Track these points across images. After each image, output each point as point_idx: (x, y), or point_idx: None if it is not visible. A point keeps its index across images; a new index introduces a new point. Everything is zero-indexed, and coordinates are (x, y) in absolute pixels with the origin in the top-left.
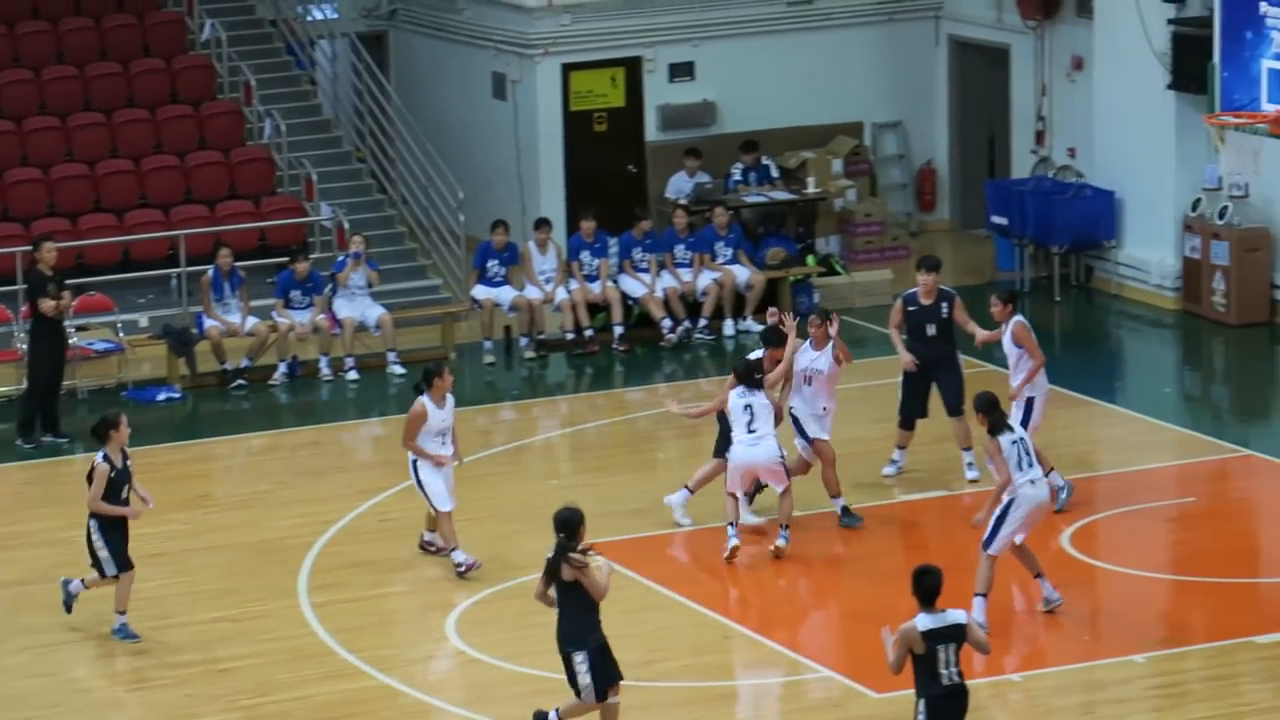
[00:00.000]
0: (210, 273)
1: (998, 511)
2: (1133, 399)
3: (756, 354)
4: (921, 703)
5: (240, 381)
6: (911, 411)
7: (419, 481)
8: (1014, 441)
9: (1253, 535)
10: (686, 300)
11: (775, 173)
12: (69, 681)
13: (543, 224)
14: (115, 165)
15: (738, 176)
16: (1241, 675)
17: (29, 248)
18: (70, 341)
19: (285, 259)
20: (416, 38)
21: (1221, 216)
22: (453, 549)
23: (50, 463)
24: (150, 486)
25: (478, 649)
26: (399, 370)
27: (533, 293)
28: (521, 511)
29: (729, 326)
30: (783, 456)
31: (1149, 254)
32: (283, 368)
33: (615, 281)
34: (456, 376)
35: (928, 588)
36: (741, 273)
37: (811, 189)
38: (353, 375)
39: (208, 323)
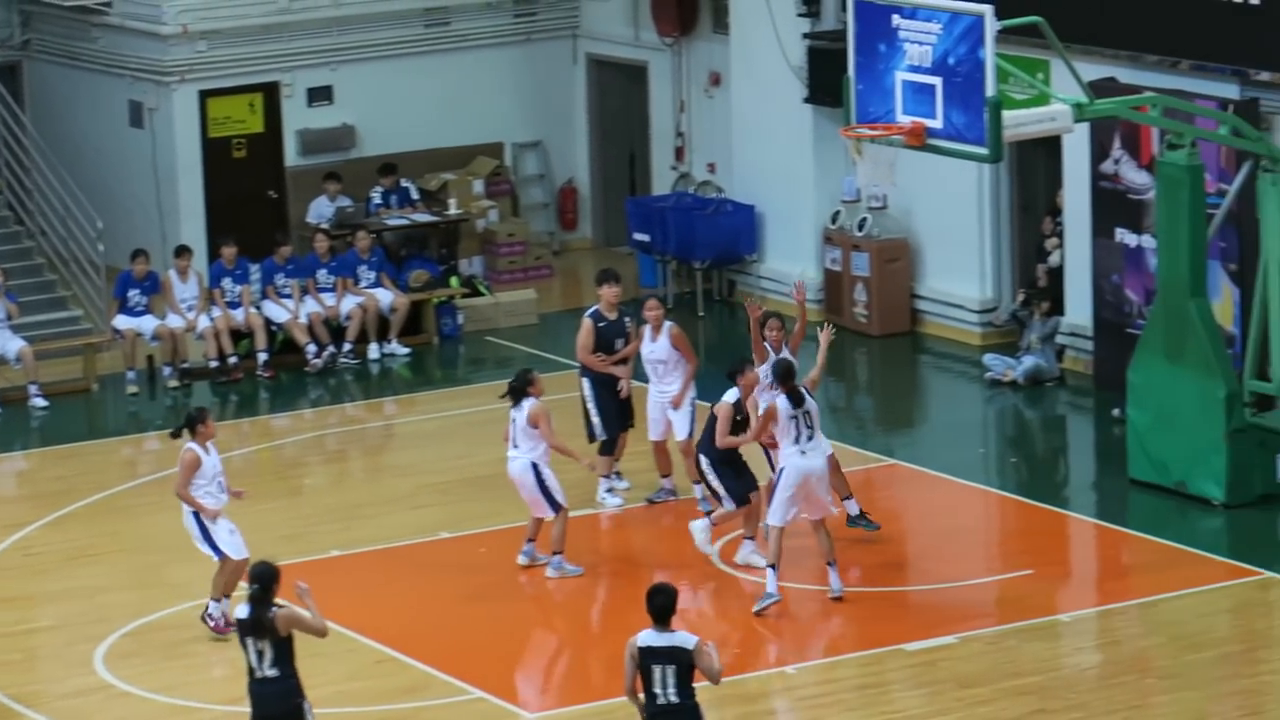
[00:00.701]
0: None
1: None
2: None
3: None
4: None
5: None
6: (619, 429)
7: (205, 536)
8: (791, 416)
9: (899, 544)
10: (330, 325)
11: (416, 195)
12: None
13: (183, 252)
14: None
15: (378, 200)
16: (892, 683)
17: None
18: None
19: None
20: (51, 67)
21: (861, 228)
22: (217, 599)
23: None
24: None
25: (127, 681)
26: (41, 403)
27: (175, 321)
28: (168, 542)
29: (374, 350)
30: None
31: (790, 267)
32: None
33: (258, 308)
34: (99, 408)
35: (658, 606)
36: (385, 296)
37: (453, 210)
38: None
39: None
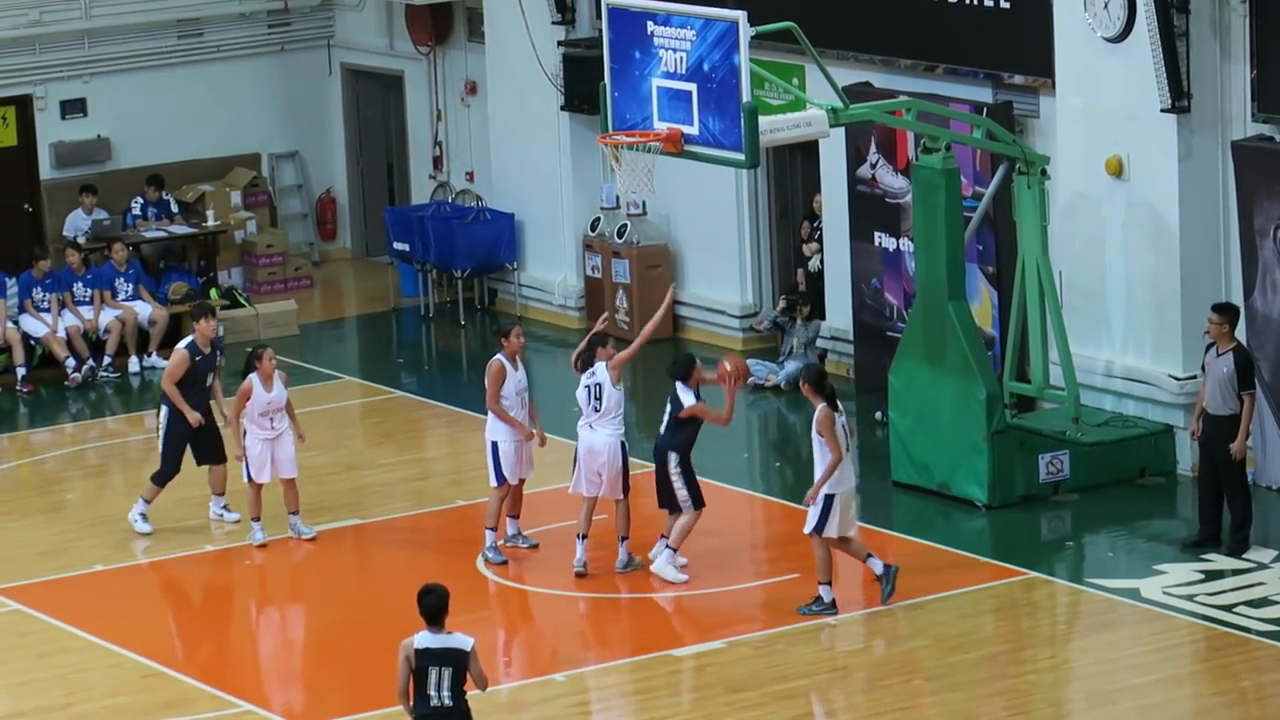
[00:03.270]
0: None
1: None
2: (546, 420)
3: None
4: None
5: None
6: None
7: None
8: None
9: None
10: (89, 338)
11: (175, 207)
12: None
13: None
14: None
15: (136, 211)
16: (660, 689)
17: None
18: None
19: None
20: None
21: (620, 235)
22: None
23: None
24: None
25: None
26: None
27: None
28: None
29: (134, 363)
30: None
31: (551, 274)
32: None
33: (15, 322)
34: None
35: (430, 606)
36: (144, 309)
37: (211, 222)
38: None
39: None
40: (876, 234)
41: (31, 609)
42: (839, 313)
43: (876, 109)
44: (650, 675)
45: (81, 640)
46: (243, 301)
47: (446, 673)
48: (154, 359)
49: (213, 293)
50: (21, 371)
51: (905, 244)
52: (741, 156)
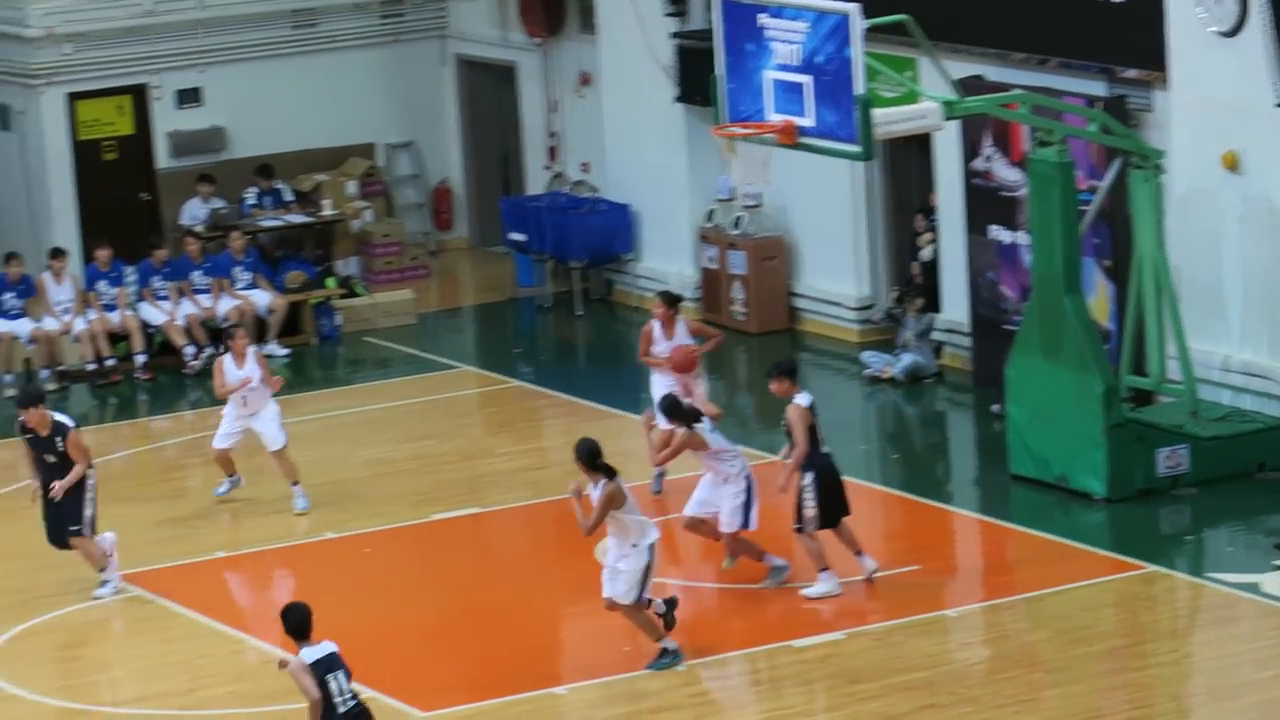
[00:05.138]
0: None
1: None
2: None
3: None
4: None
5: None
6: None
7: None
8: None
9: (786, 540)
10: (208, 326)
11: (290, 196)
12: None
13: (58, 254)
14: None
15: (252, 201)
16: (782, 679)
17: None
18: None
19: None
20: None
21: (736, 226)
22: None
23: None
24: None
25: (16, 685)
26: None
27: (50, 324)
28: (45, 546)
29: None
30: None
31: (667, 265)
32: None
33: (135, 310)
34: None
35: (296, 624)
36: (262, 297)
37: (327, 211)
38: None
39: None
40: (992, 227)
41: (155, 595)
42: (955, 306)
43: (991, 102)
44: (771, 666)
45: (204, 626)
46: (360, 291)
47: (341, 675)
48: (272, 347)
49: (330, 282)
50: (141, 359)
51: (1021, 237)
52: (856, 149)
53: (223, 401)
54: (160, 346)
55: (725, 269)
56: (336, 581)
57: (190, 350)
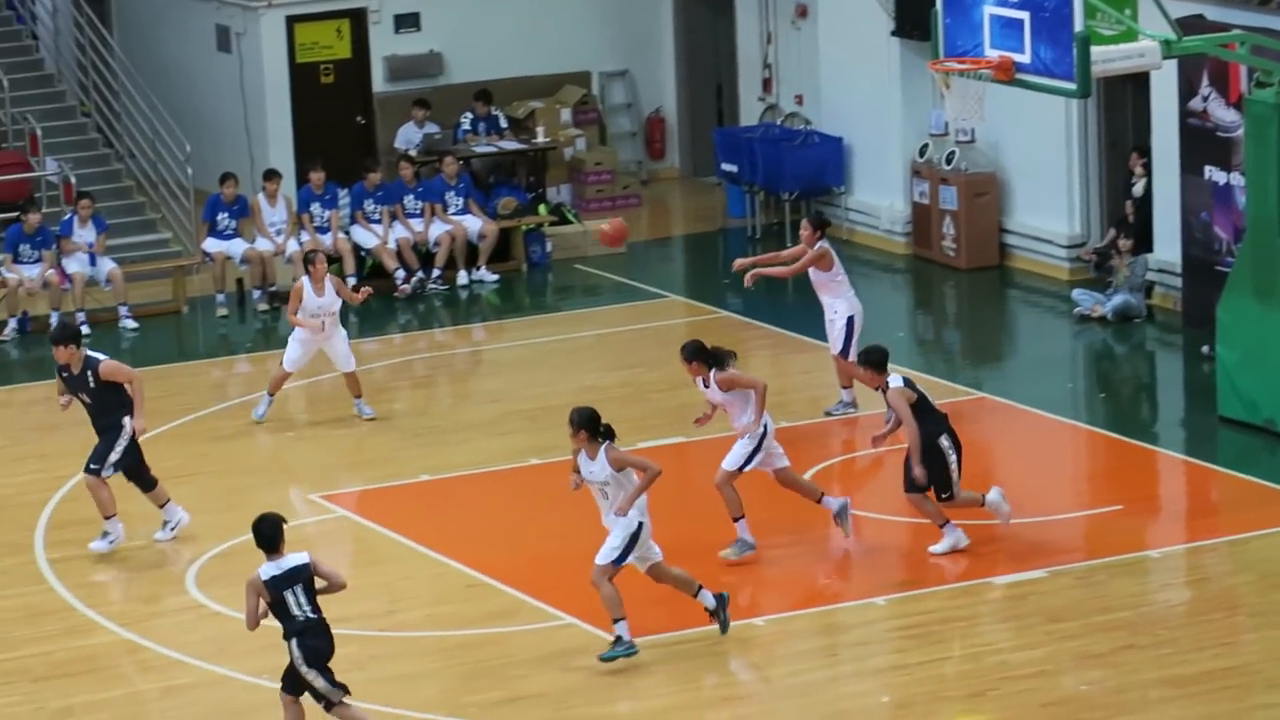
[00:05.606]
0: None
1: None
2: (866, 343)
3: None
4: (292, 642)
5: None
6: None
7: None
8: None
9: (988, 477)
10: (419, 250)
11: (504, 122)
12: None
13: (272, 176)
14: None
15: (466, 126)
16: (981, 616)
17: None
18: None
19: (12, 214)
20: None
21: (949, 162)
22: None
23: None
24: None
25: (218, 602)
26: (131, 325)
27: (264, 245)
28: (256, 465)
29: (463, 276)
30: None
31: (878, 200)
32: (13, 323)
33: (347, 233)
34: (189, 330)
35: (266, 537)
36: (473, 223)
37: (540, 138)
38: (84, 330)
39: None
40: (1207, 167)
41: (358, 516)
42: (1167, 246)
43: (1210, 42)
44: (970, 603)
45: (406, 549)
46: (571, 218)
47: (299, 589)
48: (482, 273)
49: (541, 208)
50: (352, 281)
51: (1236, 178)
52: (1073, 86)
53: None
54: (371, 269)
55: (936, 204)
56: (540, 507)
57: (401, 274)
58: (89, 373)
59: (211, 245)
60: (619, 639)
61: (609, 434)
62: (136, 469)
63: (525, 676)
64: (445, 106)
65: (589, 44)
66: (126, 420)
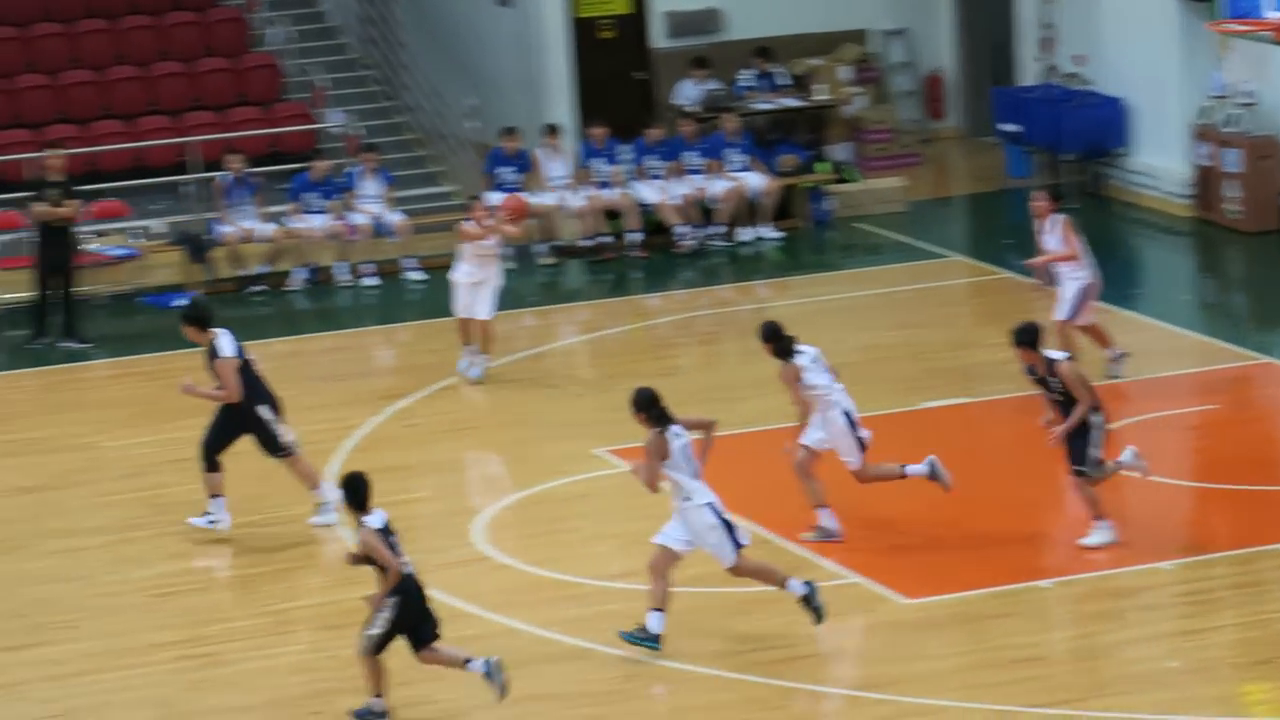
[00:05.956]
0: (224, 179)
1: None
2: (1151, 306)
3: None
4: (394, 598)
5: (258, 287)
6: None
7: None
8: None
9: (1276, 442)
10: (701, 207)
11: (784, 79)
12: (97, 586)
13: (553, 130)
14: (123, 71)
15: (747, 83)
16: (1268, 582)
17: (40, 154)
18: (86, 247)
19: (298, 166)
20: None
21: (1231, 124)
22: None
23: (69, 368)
24: (171, 392)
25: (505, 554)
26: (417, 276)
27: (546, 199)
28: (545, 418)
29: (745, 233)
30: None
31: (1160, 161)
32: (300, 273)
33: (629, 188)
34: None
35: (359, 494)
36: (754, 180)
37: (820, 96)
38: (371, 281)
39: (222, 228)
40: None
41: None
42: None
43: None
44: (1257, 569)
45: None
46: (852, 176)
47: (396, 540)
48: (764, 230)
49: (821, 166)
50: (635, 237)
51: None
52: None
53: None
54: (653, 225)
55: (1218, 167)
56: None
57: (683, 230)
58: (214, 361)
59: (493, 198)
60: (644, 629)
61: (664, 420)
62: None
63: (813, 635)
64: (724, 63)
65: (868, 2)
66: (261, 409)
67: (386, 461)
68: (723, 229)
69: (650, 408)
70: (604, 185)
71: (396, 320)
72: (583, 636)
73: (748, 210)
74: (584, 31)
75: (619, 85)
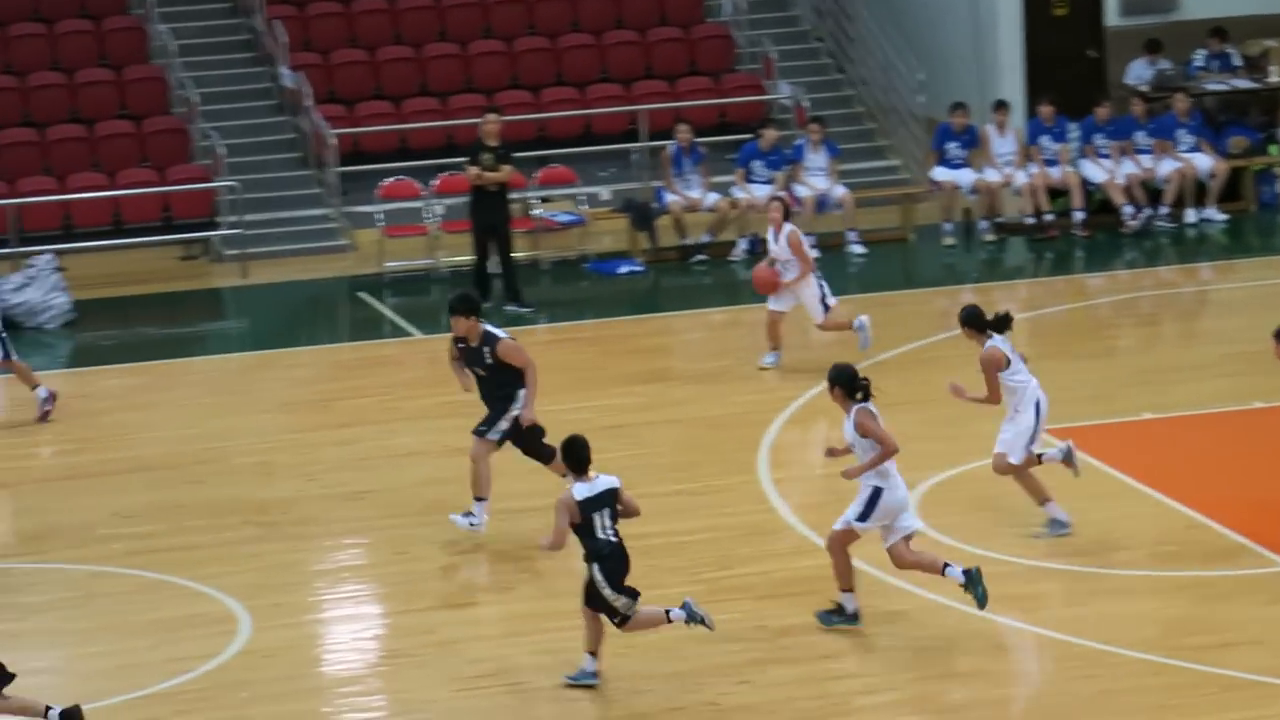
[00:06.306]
0: (671, 148)
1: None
2: None
3: None
4: (595, 566)
5: (701, 256)
6: None
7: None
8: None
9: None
10: (1147, 187)
11: (1238, 61)
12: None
13: (1001, 106)
14: (575, 39)
15: (1200, 63)
16: None
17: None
18: (533, 213)
19: (745, 137)
20: None
21: None
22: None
23: (511, 332)
24: (609, 359)
25: (937, 530)
26: (858, 249)
27: (992, 176)
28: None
29: (1190, 215)
30: None
31: None
32: (743, 243)
33: (1075, 166)
34: (914, 258)
35: (576, 458)
36: (1203, 161)
37: (1274, 78)
38: (814, 253)
39: (668, 197)
40: None
41: (1080, 452)
42: None
43: None
44: None
45: (1127, 486)
46: None
47: (606, 513)
48: (1211, 212)
49: (1273, 149)
50: (1079, 215)
51: None
52: None
53: None
54: (1098, 204)
55: None
56: (1264, 451)
57: (1129, 210)
58: (485, 349)
59: (940, 174)
60: (840, 608)
61: (864, 394)
62: (535, 446)
63: (1242, 623)
64: (1178, 42)
65: None
66: (520, 392)
67: (820, 435)
68: (1167, 210)
69: (849, 382)
70: (1050, 163)
71: (835, 293)
72: (1012, 616)
73: (1195, 191)
74: (1037, 8)
75: (1069, 63)
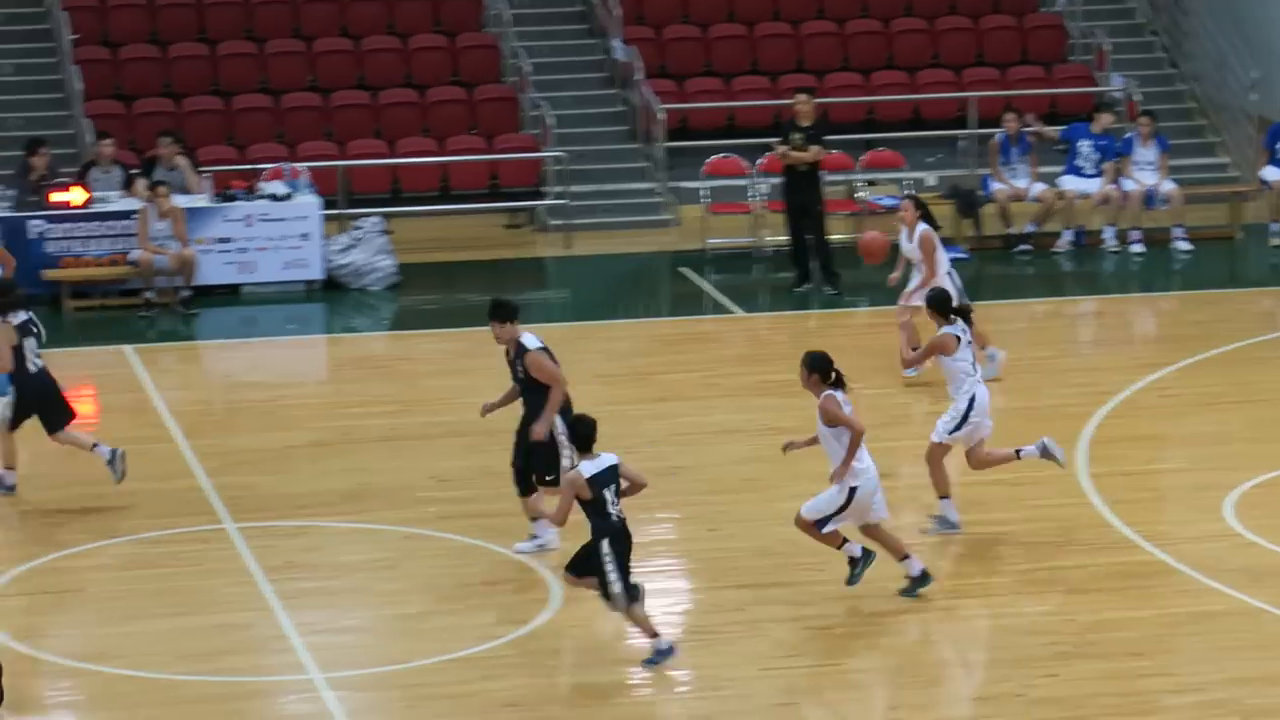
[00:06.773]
0: (999, 136)
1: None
2: None
3: None
4: (605, 542)
5: (1025, 246)
6: None
7: None
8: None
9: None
10: None
11: None
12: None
13: None
14: (907, 24)
15: None
16: None
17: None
18: (858, 196)
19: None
20: None
21: None
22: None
23: (831, 314)
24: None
25: (1255, 532)
26: (1184, 246)
27: None
28: None
29: None
30: None
31: None
32: (1068, 235)
33: None
34: (1241, 257)
35: (583, 435)
36: None
37: None
38: (1137, 248)
39: (994, 185)
40: None
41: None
42: None
43: None
44: None
45: None
46: None
47: (613, 488)
48: None
49: None
50: None
51: None
52: None
53: None
54: None
55: None
56: None
57: None
58: (519, 360)
59: (1270, 173)
60: (855, 557)
61: (837, 381)
62: (537, 465)
63: None
64: None
65: None
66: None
67: (1139, 430)
68: None
69: (823, 368)
70: None
71: (1160, 289)
72: None
73: None
74: None
75: None
